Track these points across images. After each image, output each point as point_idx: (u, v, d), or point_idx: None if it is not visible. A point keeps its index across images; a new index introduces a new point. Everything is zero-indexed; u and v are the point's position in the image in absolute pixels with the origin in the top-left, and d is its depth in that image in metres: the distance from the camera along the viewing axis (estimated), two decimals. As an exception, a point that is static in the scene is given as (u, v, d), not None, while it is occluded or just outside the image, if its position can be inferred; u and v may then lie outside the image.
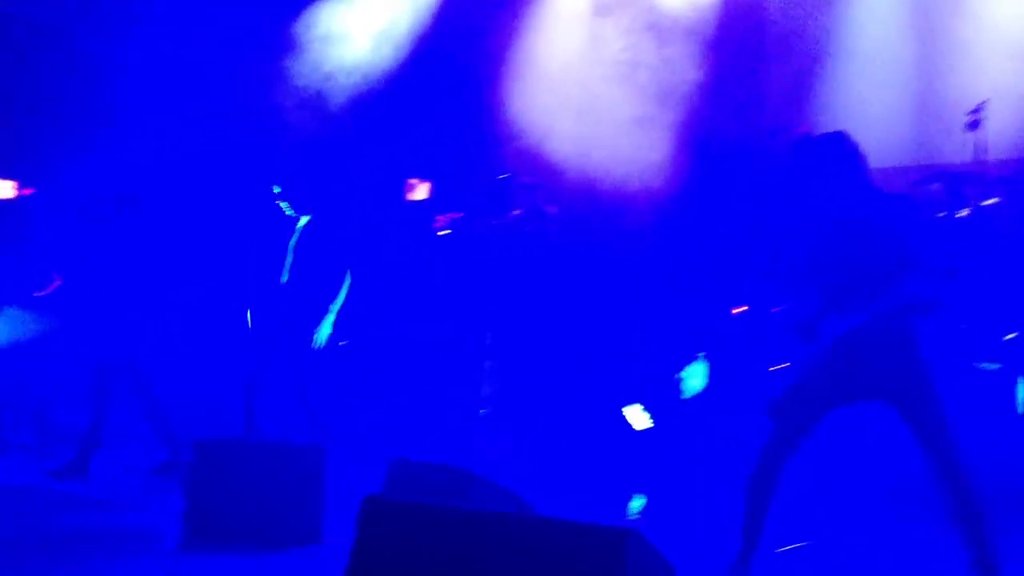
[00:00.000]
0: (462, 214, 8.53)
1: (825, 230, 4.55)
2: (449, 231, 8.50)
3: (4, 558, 4.86)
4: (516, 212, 7.29)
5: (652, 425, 7.31)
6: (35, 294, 8.01)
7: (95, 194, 6.99)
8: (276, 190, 6.63)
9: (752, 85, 7.86)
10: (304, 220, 6.72)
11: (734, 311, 6.83)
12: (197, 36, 8.62)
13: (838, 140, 4.60)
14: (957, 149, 6.35)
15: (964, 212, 6.26)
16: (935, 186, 6.35)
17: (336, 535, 5.10)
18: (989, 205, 6.18)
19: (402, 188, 8.65)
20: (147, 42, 8.64)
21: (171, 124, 8.52)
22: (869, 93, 7.83)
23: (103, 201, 6.85)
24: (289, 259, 6.61)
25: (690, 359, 7.07)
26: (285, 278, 6.60)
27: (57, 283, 7.83)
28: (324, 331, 6.39)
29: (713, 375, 7.06)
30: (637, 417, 7.34)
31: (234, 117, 8.74)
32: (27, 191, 8.87)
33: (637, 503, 6.57)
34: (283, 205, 6.66)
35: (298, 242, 6.65)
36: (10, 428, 8.04)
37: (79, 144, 8.30)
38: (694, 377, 7.06)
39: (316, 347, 6.36)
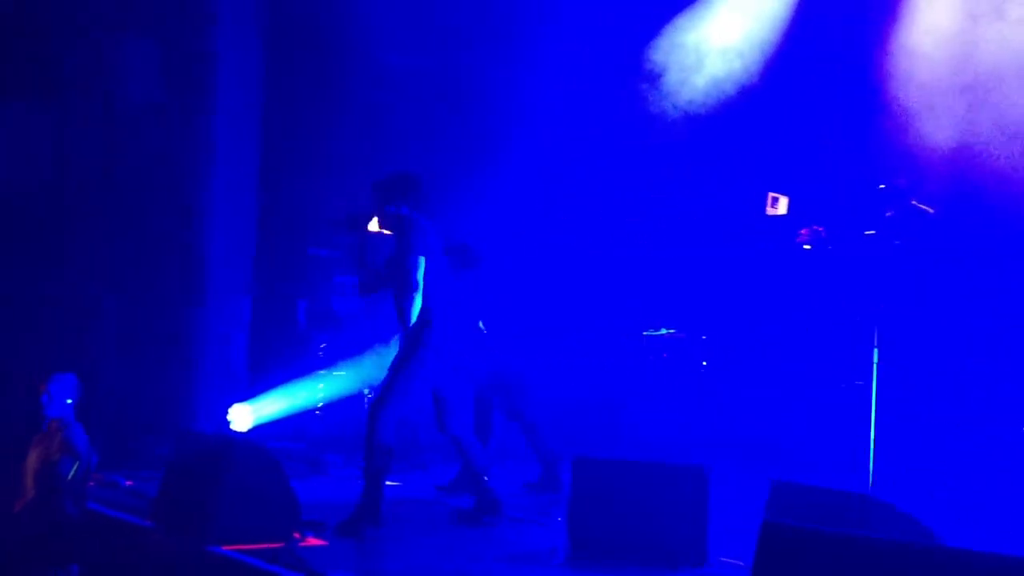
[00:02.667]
0: (823, 228, 8.22)
1: None
2: (810, 246, 8.23)
3: (411, 562, 5.26)
4: (889, 214, 6.90)
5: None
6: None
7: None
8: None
9: None
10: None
11: None
12: (567, 71, 8.93)
13: None
14: None
15: None
16: None
17: (721, 557, 5.04)
18: None
19: (763, 203, 8.47)
20: (517, 87, 9.10)
21: (551, 159, 8.91)
22: None
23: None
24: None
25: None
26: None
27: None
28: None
29: None
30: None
31: (604, 145, 8.99)
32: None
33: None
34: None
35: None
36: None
37: (465, 182, 8.83)
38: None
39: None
